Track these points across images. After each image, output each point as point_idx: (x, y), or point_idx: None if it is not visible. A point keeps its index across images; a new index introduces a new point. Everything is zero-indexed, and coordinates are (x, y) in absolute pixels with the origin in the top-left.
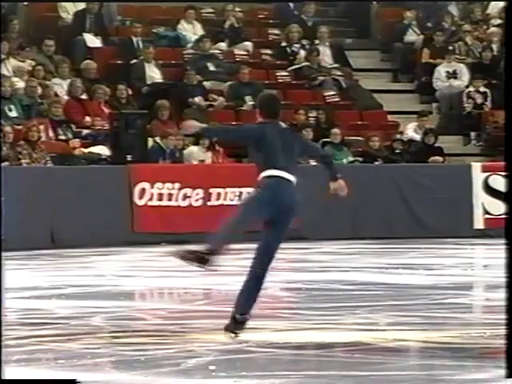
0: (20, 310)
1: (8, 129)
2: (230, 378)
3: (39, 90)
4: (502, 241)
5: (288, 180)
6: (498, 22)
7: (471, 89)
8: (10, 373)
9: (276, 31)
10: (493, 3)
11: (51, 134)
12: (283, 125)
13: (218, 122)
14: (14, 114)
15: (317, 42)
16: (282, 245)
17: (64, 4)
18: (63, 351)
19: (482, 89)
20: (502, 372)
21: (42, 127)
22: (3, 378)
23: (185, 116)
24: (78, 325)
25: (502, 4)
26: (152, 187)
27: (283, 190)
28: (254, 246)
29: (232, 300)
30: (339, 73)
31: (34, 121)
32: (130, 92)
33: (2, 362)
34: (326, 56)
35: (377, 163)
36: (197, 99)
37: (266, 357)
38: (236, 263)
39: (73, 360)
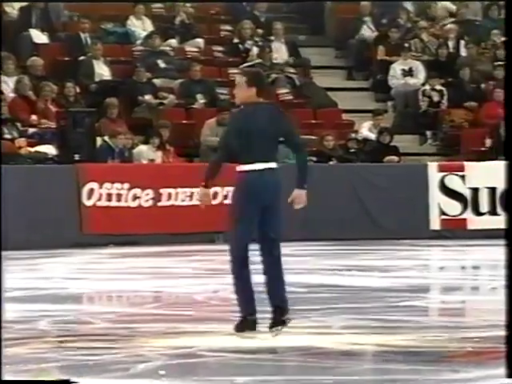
0: None
1: None
2: (181, 382)
3: None
4: (459, 242)
5: (265, 170)
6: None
7: (427, 87)
8: None
9: (228, 27)
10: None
11: None
12: (268, 104)
13: (168, 121)
14: None
15: (271, 38)
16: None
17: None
18: (8, 356)
19: (438, 87)
20: (457, 376)
21: None
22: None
23: (134, 114)
24: (23, 329)
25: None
26: (101, 187)
27: (262, 184)
28: (205, 247)
29: (183, 303)
30: (293, 70)
31: None
32: (78, 90)
33: (1, 362)
34: (280, 53)
35: (331, 163)
36: (147, 97)
37: (216, 361)
38: (188, 265)
39: (18, 365)
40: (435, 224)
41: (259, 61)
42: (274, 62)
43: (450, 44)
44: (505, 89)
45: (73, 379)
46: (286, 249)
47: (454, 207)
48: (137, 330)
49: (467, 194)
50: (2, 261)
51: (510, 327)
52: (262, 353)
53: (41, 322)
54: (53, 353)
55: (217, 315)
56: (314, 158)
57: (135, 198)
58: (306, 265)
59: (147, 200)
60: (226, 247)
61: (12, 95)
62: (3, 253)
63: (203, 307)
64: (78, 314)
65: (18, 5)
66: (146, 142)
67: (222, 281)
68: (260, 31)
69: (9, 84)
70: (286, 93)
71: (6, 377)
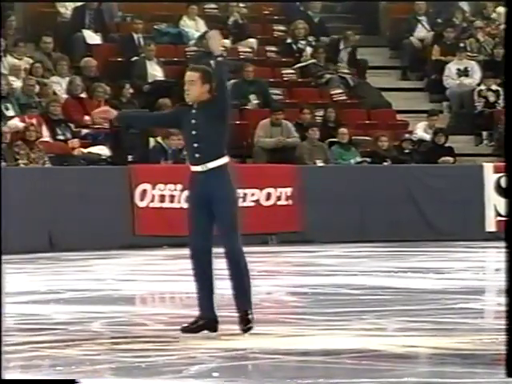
0: (17, 316)
1: (5, 129)
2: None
3: (37, 89)
4: None
5: (205, 172)
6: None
7: (483, 87)
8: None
9: (281, 27)
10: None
11: (46, 133)
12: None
13: None
14: (11, 113)
15: (325, 38)
16: (288, 248)
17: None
18: (62, 358)
19: (493, 87)
20: None
21: (34, 121)
22: (3, 378)
23: None
24: (76, 330)
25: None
26: (153, 188)
27: (200, 187)
28: (258, 249)
29: (233, 305)
30: (347, 70)
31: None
32: (131, 90)
33: (1, 362)
34: (337, 54)
35: (386, 164)
36: None
37: (270, 363)
38: None
39: (71, 367)
40: (491, 225)
41: (313, 61)
42: (329, 61)
43: None
44: (505, 89)
45: (126, 381)
46: (341, 250)
47: None
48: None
49: None
50: (4, 262)
51: (510, 327)
52: (315, 355)
53: (94, 324)
54: (106, 354)
55: (270, 317)
56: (369, 159)
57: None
58: (360, 266)
59: None
60: (280, 248)
61: (65, 96)
62: (58, 254)
63: (256, 309)
64: (130, 315)
65: (71, 5)
66: None
67: (275, 282)
68: (313, 31)
69: (62, 85)
70: (340, 93)
71: (59, 378)
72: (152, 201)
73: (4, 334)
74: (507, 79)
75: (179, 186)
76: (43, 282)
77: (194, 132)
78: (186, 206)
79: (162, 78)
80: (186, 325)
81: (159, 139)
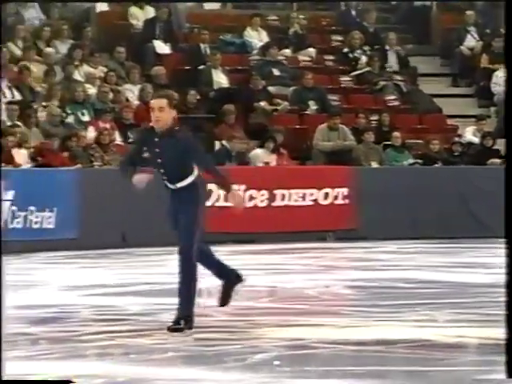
0: (92, 307)
1: (83, 133)
2: (293, 373)
3: (111, 95)
4: None
5: (172, 188)
6: None
7: None
8: (82, 367)
9: (338, 37)
10: None
11: (118, 137)
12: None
13: (282, 126)
14: (86, 118)
15: (382, 47)
16: (344, 244)
17: (135, 12)
18: (134, 346)
19: None
20: None
21: (107, 126)
22: (3, 378)
23: (250, 120)
24: (148, 321)
25: None
26: (218, 188)
27: (170, 198)
28: (317, 245)
29: (296, 297)
30: (400, 77)
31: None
32: (198, 97)
33: (1, 362)
34: (391, 62)
35: (436, 165)
36: (262, 103)
37: (328, 352)
38: (300, 262)
39: (143, 355)
40: None
41: (368, 69)
42: (383, 69)
43: None
44: (505, 89)
45: (194, 368)
46: (394, 246)
47: None
48: (253, 322)
49: None
50: (3, 261)
51: (510, 327)
52: (371, 345)
53: (164, 315)
54: (175, 344)
55: (328, 309)
56: (420, 161)
57: (251, 198)
58: (413, 262)
59: (262, 200)
60: (337, 245)
61: (136, 102)
62: (131, 250)
63: (315, 301)
64: (198, 307)
65: (142, 17)
66: (261, 146)
67: (333, 276)
68: (368, 41)
69: (134, 92)
70: (394, 99)
71: (132, 365)
72: (217, 200)
73: (81, 324)
74: (508, 78)
75: (242, 187)
76: (117, 275)
77: (159, 160)
78: (248, 204)
79: (227, 85)
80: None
81: (224, 142)
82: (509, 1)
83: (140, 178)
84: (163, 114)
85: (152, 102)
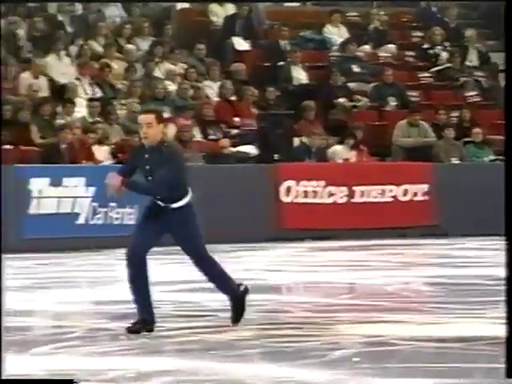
0: (172, 303)
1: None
2: (373, 370)
3: (191, 92)
4: None
5: (164, 207)
6: None
7: None
8: (161, 363)
9: (419, 33)
10: None
11: (198, 133)
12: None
13: (362, 122)
14: (166, 114)
15: (463, 43)
16: (424, 240)
17: (215, 8)
18: (213, 342)
19: None
20: None
21: (187, 122)
22: (3, 378)
23: (330, 116)
24: (227, 317)
25: None
26: (298, 185)
27: (156, 215)
28: (396, 241)
29: (376, 294)
30: (481, 73)
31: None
32: (278, 93)
33: (1, 361)
34: (472, 58)
35: None
36: (341, 100)
37: (409, 349)
38: (380, 258)
39: (222, 351)
40: None
41: (449, 65)
42: (464, 65)
43: None
44: (505, 89)
45: (273, 365)
46: (476, 243)
47: None
48: (332, 319)
49: None
50: (3, 261)
51: (510, 325)
52: (453, 342)
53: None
54: (254, 340)
55: (408, 306)
56: (502, 157)
57: (330, 194)
58: (495, 258)
59: (342, 197)
60: (417, 241)
61: (216, 99)
62: (210, 246)
63: (395, 298)
64: (277, 303)
65: (222, 14)
66: (340, 142)
67: (413, 273)
68: (449, 37)
69: (213, 88)
70: (475, 95)
71: (211, 362)
72: (296, 196)
73: (161, 319)
74: (507, 79)
75: (322, 183)
76: (196, 271)
77: (150, 177)
78: (328, 201)
79: (306, 82)
80: (129, 325)
81: (303, 139)
82: (509, 1)
83: (111, 182)
84: (151, 130)
85: (139, 117)
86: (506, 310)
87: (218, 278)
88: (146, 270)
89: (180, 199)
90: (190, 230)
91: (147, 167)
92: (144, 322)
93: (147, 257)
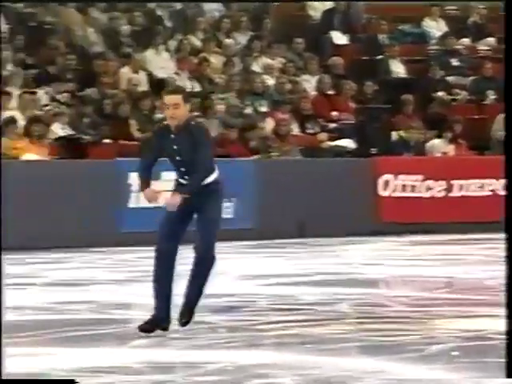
0: (270, 296)
1: (261, 124)
2: (472, 364)
3: (289, 86)
4: None
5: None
6: None
7: None
8: (259, 356)
9: None
10: None
11: (296, 128)
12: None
13: (461, 116)
14: (264, 109)
15: None
16: None
17: (313, 3)
18: (310, 336)
19: None
20: None
21: (285, 116)
22: (3, 377)
23: (428, 110)
24: (324, 311)
25: None
26: (396, 179)
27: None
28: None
29: (474, 288)
30: None
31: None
32: (375, 87)
33: (1, 361)
34: None
35: None
36: (440, 94)
37: (505, 344)
38: (478, 252)
39: (319, 345)
40: None
41: None
42: None
43: None
44: (505, 89)
45: (371, 359)
46: None
47: None
48: (430, 313)
49: None
50: (3, 261)
51: (510, 325)
52: None
53: (341, 305)
54: (352, 334)
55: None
56: None
57: (428, 188)
58: None
59: (440, 191)
60: None
61: (314, 93)
62: (307, 240)
63: (494, 292)
64: (375, 297)
65: (321, 8)
66: (439, 136)
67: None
68: None
69: (311, 82)
70: None
71: (308, 356)
72: (394, 190)
73: (258, 313)
74: (507, 79)
75: (420, 177)
76: (294, 265)
77: (177, 158)
78: (426, 195)
79: (405, 76)
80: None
81: (401, 132)
82: (509, 1)
83: (150, 196)
84: (178, 111)
85: (165, 98)
86: (506, 310)
87: (195, 282)
88: (173, 266)
89: (208, 176)
90: (213, 207)
91: (174, 147)
92: (160, 320)
93: (177, 252)
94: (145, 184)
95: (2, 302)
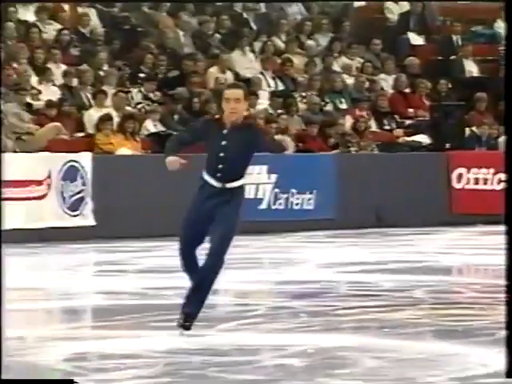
0: (349, 283)
1: (340, 120)
2: None
3: (367, 85)
4: None
5: (217, 188)
6: None
7: None
8: (338, 340)
9: None
10: None
11: (374, 123)
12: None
13: None
14: (343, 106)
15: None
16: None
17: (390, 6)
18: (388, 321)
19: None
20: None
21: (364, 113)
22: (3, 377)
23: (500, 107)
24: (400, 297)
25: None
26: (469, 172)
27: (206, 198)
28: None
29: None
30: None
31: (357, 111)
32: (450, 85)
33: (1, 361)
34: None
35: None
36: None
37: None
38: None
39: (396, 329)
40: None
41: None
42: None
43: None
44: (505, 89)
45: (445, 342)
46: None
47: None
48: (500, 299)
49: None
50: (3, 260)
51: (510, 325)
52: None
53: (416, 291)
54: (426, 318)
55: None
56: None
57: (500, 181)
58: None
59: None
60: None
61: (391, 91)
62: (385, 230)
63: None
64: (448, 284)
65: (398, 11)
66: None
67: None
68: None
69: (388, 81)
70: None
71: (386, 340)
72: (467, 183)
73: (338, 299)
74: (507, 79)
75: (492, 170)
76: (372, 253)
77: (221, 154)
78: (498, 187)
79: (478, 75)
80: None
81: (474, 128)
82: (509, 0)
83: (173, 161)
84: (239, 106)
85: (227, 92)
86: (506, 310)
87: (198, 282)
88: (196, 263)
89: (236, 180)
90: (233, 211)
91: (223, 143)
92: (190, 315)
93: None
94: (171, 153)
95: (2, 301)
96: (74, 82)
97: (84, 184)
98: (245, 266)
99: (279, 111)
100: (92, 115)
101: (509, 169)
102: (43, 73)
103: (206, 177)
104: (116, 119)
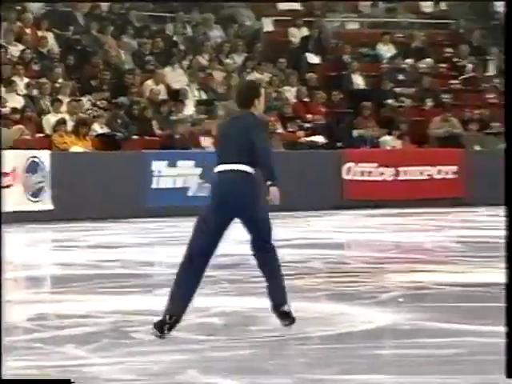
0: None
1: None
2: (413, 308)
3: (274, 95)
4: None
5: (233, 171)
6: None
7: None
8: (258, 302)
9: (450, 50)
10: None
11: (280, 127)
12: (249, 115)
13: (406, 118)
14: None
15: (485, 58)
16: (453, 209)
17: (293, 31)
18: (291, 287)
19: None
20: None
21: (272, 119)
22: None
23: (381, 113)
24: (302, 267)
25: None
26: (356, 166)
27: (223, 183)
28: (432, 210)
29: (416, 250)
30: (498, 80)
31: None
32: (341, 96)
33: (1, 362)
34: (491, 69)
35: None
36: (390, 101)
37: (440, 292)
38: (419, 222)
39: (298, 293)
40: None
41: (473, 74)
42: (485, 75)
43: None
44: (505, 88)
45: (336, 304)
46: (495, 211)
47: None
48: (382, 269)
49: None
50: (3, 257)
51: (510, 325)
52: (474, 286)
53: (314, 263)
54: (323, 285)
55: (440, 259)
56: None
57: (381, 174)
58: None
59: (390, 175)
60: (448, 210)
61: (294, 100)
62: (289, 214)
63: (431, 253)
64: (340, 257)
65: (299, 35)
66: (389, 134)
67: (444, 234)
68: None
69: (292, 92)
70: (493, 97)
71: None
72: (355, 175)
73: (251, 269)
74: (507, 79)
75: (375, 164)
76: (279, 232)
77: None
78: (379, 178)
79: (363, 87)
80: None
81: (360, 131)
82: (509, 0)
83: (275, 196)
84: (260, 101)
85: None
86: (506, 310)
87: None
88: (201, 278)
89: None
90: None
91: (232, 133)
92: (285, 304)
93: (207, 265)
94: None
95: (2, 301)
96: (35, 92)
97: (44, 176)
98: (175, 242)
99: (202, 116)
100: (50, 119)
101: (509, 174)
102: (9, 84)
103: (217, 168)
104: (70, 123)
